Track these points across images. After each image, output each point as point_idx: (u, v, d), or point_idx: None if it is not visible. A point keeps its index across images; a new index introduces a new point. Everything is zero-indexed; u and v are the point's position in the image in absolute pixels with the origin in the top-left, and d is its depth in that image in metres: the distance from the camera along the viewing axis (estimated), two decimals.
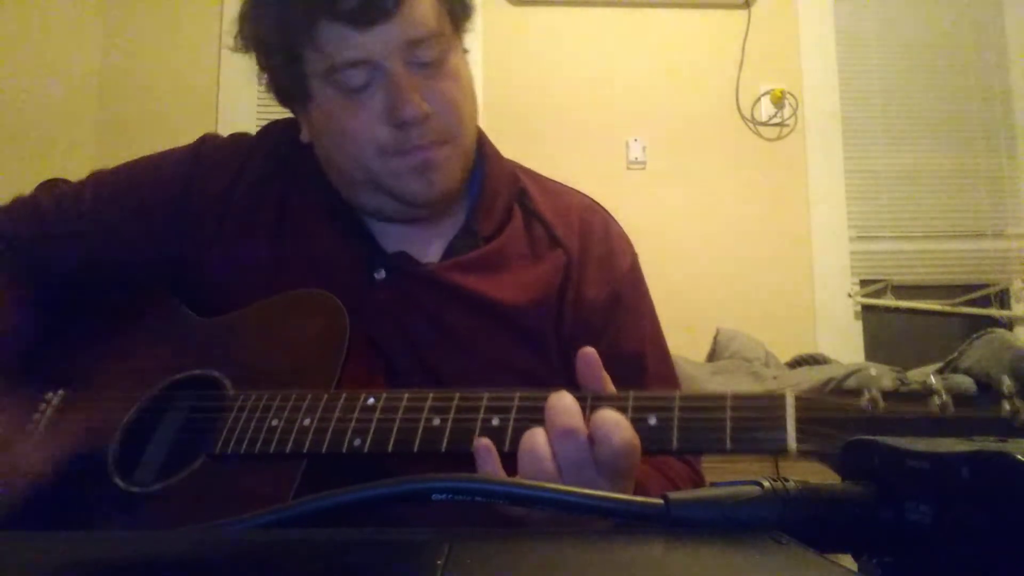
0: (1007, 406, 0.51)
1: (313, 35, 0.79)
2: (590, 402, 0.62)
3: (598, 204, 0.98)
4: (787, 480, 0.39)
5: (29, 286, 0.89)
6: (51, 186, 0.97)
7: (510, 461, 0.61)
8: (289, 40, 0.81)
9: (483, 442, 0.62)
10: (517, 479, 0.57)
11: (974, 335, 2.07)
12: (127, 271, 0.92)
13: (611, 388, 0.65)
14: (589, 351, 0.65)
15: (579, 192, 0.98)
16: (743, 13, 2.76)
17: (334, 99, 0.81)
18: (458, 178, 0.86)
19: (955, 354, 2.06)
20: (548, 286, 0.87)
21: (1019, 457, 0.30)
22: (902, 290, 2.72)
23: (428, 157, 0.82)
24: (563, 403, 0.60)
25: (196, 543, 0.39)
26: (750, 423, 0.59)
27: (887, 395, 0.56)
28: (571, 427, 0.59)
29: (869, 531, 0.37)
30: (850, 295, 2.68)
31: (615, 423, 0.58)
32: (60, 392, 0.84)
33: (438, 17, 0.81)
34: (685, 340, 2.33)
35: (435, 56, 0.81)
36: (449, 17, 0.83)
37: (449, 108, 0.82)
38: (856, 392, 0.57)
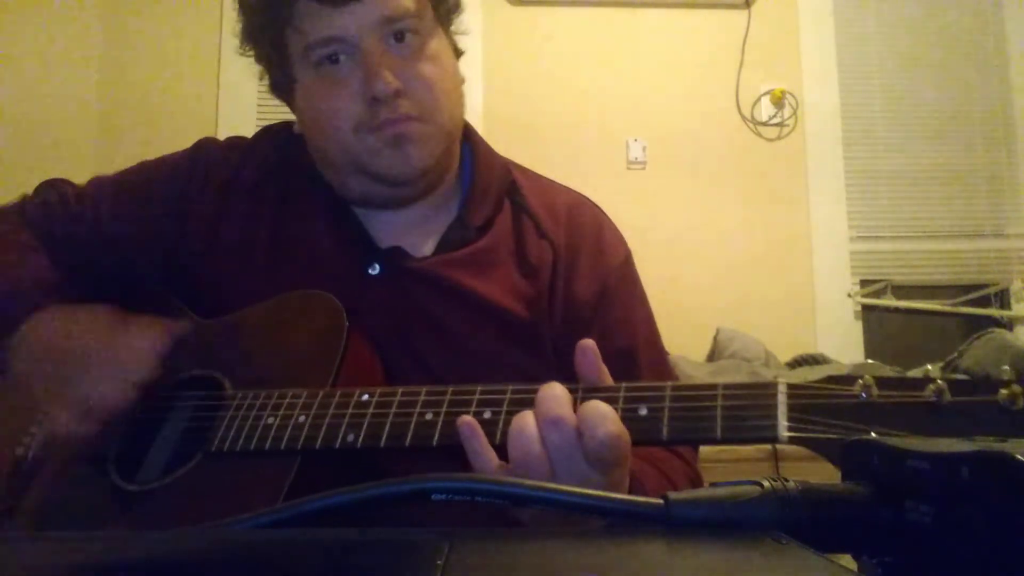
0: (1004, 392, 0.50)
1: (291, 14, 0.82)
2: (580, 394, 0.62)
3: (590, 201, 0.98)
4: (787, 480, 0.38)
5: (41, 283, 0.90)
6: (51, 187, 0.97)
7: (501, 454, 0.61)
8: (271, 18, 0.84)
9: (466, 419, 0.62)
10: (517, 479, 0.57)
11: (974, 335, 2.08)
12: (128, 273, 0.93)
13: (609, 380, 0.65)
14: (588, 343, 0.64)
15: (572, 190, 0.98)
16: (743, 13, 2.76)
17: (314, 79, 0.84)
18: (435, 156, 0.86)
19: (955, 354, 2.06)
20: (537, 281, 0.87)
21: (1019, 457, 0.30)
22: (902, 290, 2.72)
23: (401, 131, 0.82)
24: (552, 392, 0.61)
25: (196, 543, 0.39)
26: (741, 411, 0.58)
27: (882, 382, 0.54)
28: (559, 415, 0.59)
29: (869, 531, 0.37)
30: (850, 295, 2.68)
31: (601, 415, 0.58)
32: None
33: (417, 1, 0.83)
34: (685, 340, 2.33)
35: (412, 36, 0.83)
36: (431, 4, 0.86)
37: (424, 86, 0.83)
38: (851, 379, 0.55)
